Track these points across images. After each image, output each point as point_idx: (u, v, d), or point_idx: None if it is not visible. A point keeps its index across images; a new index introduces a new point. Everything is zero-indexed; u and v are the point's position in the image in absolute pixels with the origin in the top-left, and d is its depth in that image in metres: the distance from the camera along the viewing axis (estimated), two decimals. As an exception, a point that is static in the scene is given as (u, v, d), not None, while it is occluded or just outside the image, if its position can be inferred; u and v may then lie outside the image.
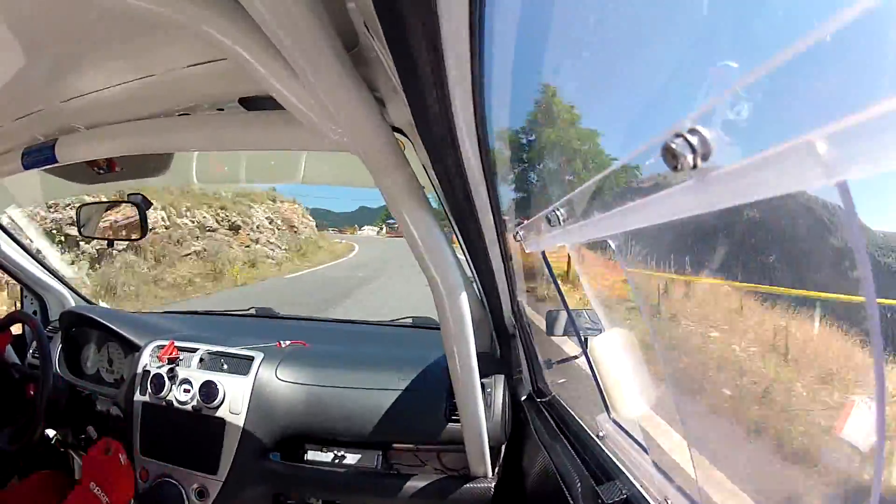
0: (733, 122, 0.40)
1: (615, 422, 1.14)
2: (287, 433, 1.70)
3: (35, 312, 2.29)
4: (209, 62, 0.93)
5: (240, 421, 1.68)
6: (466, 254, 1.32)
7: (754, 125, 0.40)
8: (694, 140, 0.40)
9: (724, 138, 0.39)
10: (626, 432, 1.09)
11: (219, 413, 1.69)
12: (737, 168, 0.38)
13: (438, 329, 1.21)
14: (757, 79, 0.38)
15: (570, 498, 1.06)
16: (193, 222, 15.42)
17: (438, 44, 0.53)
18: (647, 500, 0.93)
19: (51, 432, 1.87)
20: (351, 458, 1.69)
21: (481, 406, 1.36)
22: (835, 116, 0.31)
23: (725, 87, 0.40)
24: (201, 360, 1.78)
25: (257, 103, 1.02)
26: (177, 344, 1.81)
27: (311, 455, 1.72)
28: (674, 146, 0.40)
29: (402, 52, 0.57)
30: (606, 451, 1.11)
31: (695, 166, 0.40)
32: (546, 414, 1.46)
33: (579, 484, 1.06)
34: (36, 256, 2.25)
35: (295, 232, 21.67)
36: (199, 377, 1.72)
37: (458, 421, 1.48)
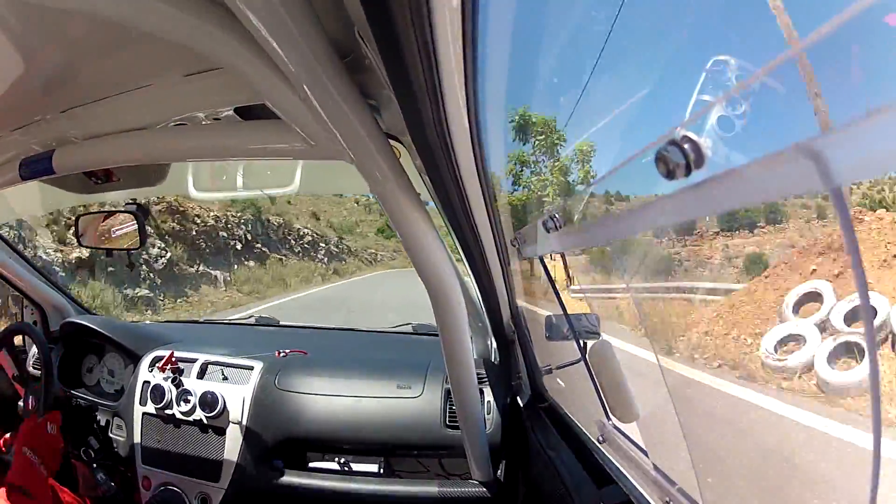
0: (725, 129, 0.40)
1: (615, 426, 1.14)
2: (288, 441, 1.70)
3: (35, 322, 2.28)
4: (205, 72, 0.93)
5: (240, 430, 1.67)
6: (465, 260, 1.32)
7: (747, 131, 0.40)
8: (687, 147, 0.40)
9: (715, 145, 0.40)
10: (626, 436, 1.09)
11: (219, 422, 1.69)
12: (728, 175, 0.38)
13: (438, 336, 1.20)
14: (750, 85, 0.38)
15: (572, 502, 1.05)
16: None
17: (431, 50, 0.53)
18: (649, 502, 0.92)
19: None
20: (353, 465, 1.69)
21: (481, 412, 1.36)
22: (829, 123, 0.31)
23: (717, 94, 0.40)
24: (201, 369, 1.78)
25: (253, 112, 1.02)
26: (176, 354, 1.81)
27: (314, 462, 1.72)
28: (667, 154, 0.40)
29: (394, 59, 0.57)
30: (607, 454, 1.11)
31: (688, 173, 0.40)
32: (546, 419, 1.45)
33: (581, 488, 1.06)
34: (36, 266, 2.25)
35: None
36: (199, 387, 1.72)
37: (458, 427, 1.48)
